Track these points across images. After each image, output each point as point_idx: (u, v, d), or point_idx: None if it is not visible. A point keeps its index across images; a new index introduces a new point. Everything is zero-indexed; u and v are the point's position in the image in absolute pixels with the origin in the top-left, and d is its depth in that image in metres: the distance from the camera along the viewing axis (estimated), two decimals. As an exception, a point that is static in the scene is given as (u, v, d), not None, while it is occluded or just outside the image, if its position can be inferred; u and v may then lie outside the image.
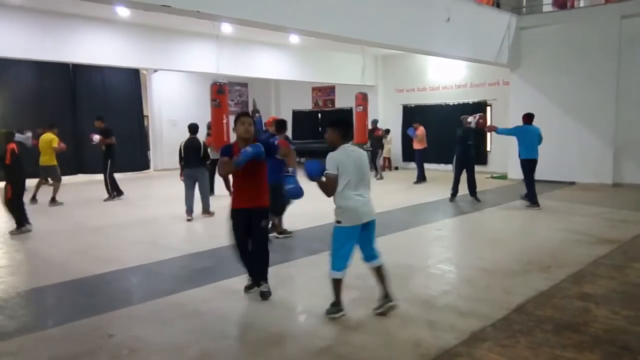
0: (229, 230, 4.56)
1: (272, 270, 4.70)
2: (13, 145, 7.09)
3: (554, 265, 5.40)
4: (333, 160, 3.82)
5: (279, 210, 6.65)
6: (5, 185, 7.17)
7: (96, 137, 10.19)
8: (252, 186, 4.45)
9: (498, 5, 12.53)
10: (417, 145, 12.77)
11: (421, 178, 12.56)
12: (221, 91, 9.49)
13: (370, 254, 4.10)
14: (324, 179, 3.82)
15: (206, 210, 8.47)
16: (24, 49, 9.72)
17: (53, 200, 9.64)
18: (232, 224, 4.50)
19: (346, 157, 3.87)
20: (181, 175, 8.39)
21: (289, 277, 5.31)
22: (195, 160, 8.25)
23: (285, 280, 5.17)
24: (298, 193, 4.46)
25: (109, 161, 10.19)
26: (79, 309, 4.33)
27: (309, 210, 7.09)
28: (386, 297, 4.11)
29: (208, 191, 8.78)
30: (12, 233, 7.13)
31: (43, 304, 4.57)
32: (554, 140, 11.98)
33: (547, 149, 11.97)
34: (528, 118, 8.90)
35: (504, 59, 12.14)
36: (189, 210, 8.21)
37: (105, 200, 10.16)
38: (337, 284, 4.00)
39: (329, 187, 3.84)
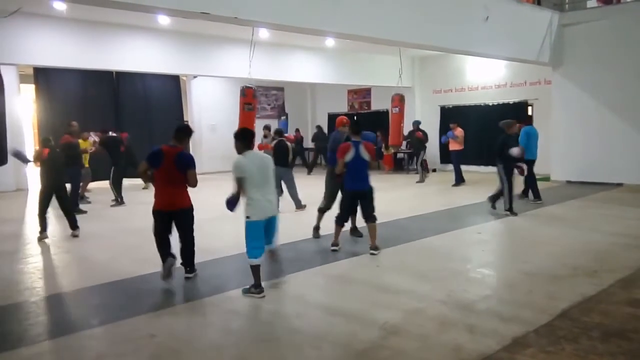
0: (154, 226, 4.99)
1: (309, 274, 4.71)
2: (46, 151, 7.20)
3: (601, 270, 5.20)
4: (239, 166, 4.55)
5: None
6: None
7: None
8: (174, 190, 4.94)
9: (539, 3, 12.20)
10: (454, 147, 12.50)
11: (459, 180, 12.33)
12: (255, 95, 9.78)
13: (268, 241, 4.84)
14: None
15: (299, 206, 9.01)
16: (70, 58, 10.15)
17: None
18: (155, 222, 4.98)
19: (250, 162, 4.56)
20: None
21: (329, 279, 5.31)
22: (282, 161, 8.77)
23: (325, 283, 5.18)
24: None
25: (112, 168, 10.28)
26: (122, 309, 4.45)
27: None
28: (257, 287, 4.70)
29: (295, 188, 9.18)
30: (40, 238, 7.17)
31: (87, 304, 4.71)
32: (599, 140, 11.59)
33: (591, 149, 11.62)
34: (530, 120, 9.21)
35: (545, 58, 11.80)
36: (297, 205, 8.97)
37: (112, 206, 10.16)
38: (256, 269, 4.63)
39: (237, 190, 4.57)
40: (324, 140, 15.68)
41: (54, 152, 7.32)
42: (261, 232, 4.66)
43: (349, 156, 5.94)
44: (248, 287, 4.69)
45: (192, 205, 5.10)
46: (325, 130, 17.63)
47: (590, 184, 11.14)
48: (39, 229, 7.19)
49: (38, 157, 7.18)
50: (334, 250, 6.21)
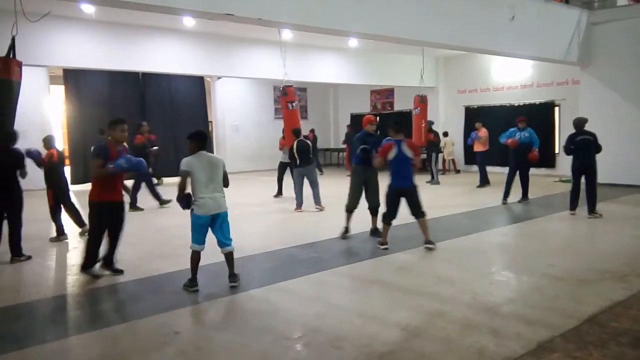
0: (92, 221, 5.21)
1: (329, 274, 4.69)
2: (53, 151, 7.04)
3: (632, 274, 5.06)
4: (185, 164, 4.78)
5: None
6: (47, 192, 7.18)
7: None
8: (118, 182, 5.26)
9: (567, 1, 11.96)
10: (478, 148, 12.33)
11: (484, 181, 12.15)
12: (295, 93, 9.96)
13: (221, 242, 4.89)
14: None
15: (318, 203, 9.15)
16: (98, 59, 10.36)
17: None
18: (97, 215, 5.17)
19: (198, 160, 4.79)
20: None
21: (349, 280, 5.31)
22: (305, 160, 9.11)
23: (345, 284, 5.17)
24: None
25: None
26: (147, 306, 4.53)
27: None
28: (231, 276, 4.93)
29: (319, 186, 9.35)
30: (51, 240, 7.21)
31: (114, 301, 4.81)
32: (629, 141, 11.29)
33: (621, 151, 11.31)
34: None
35: (573, 57, 11.55)
36: (300, 204, 9.16)
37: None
38: (195, 256, 4.82)
39: (180, 184, 4.80)
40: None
41: (61, 154, 7.29)
42: (204, 226, 4.83)
43: (392, 154, 6.07)
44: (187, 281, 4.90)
45: (92, 200, 5.22)
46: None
47: (621, 186, 10.85)
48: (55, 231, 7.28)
49: (48, 159, 7.00)
50: (384, 249, 6.22)
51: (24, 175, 6.10)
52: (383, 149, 6.19)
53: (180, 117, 15.38)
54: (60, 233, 7.25)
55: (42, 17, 6.98)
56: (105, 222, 5.24)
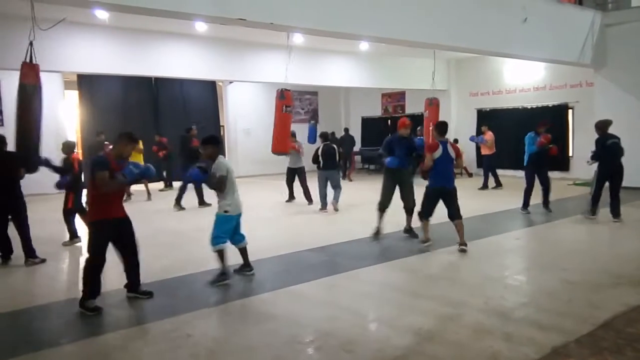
0: (94, 242, 4.50)
1: (340, 278, 4.68)
2: (77, 156, 7.15)
3: (647, 279, 5.00)
4: (224, 165, 5.09)
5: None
6: (67, 195, 7.17)
7: None
8: (119, 197, 4.72)
9: (580, 2, 11.86)
10: (485, 151, 12.36)
11: (486, 184, 12.29)
12: (293, 98, 9.91)
13: (238, 238, 5.34)
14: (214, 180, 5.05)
15: (334, 203, 9.31)
16: (112, 64, 10.48)
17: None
18: (101, 235, 4.50)
19: (228, 164, 5.15)
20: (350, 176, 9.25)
21: (360, 283, 5.29)
22: (330, 163, 9.23)
23: (357, 288, 5.16)
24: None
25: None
26: (159, 309, 4.56)
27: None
28: (247, 266, 5.43)
29: (341, 189, 9.56)
30: (64, 244, 7.24)
31: (127, 304, 4.84)
32: (645, 144, 11.13)
33: (636, 154, 11.14)
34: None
35: (587, 59, 11.45)
36: (324, 204, 9.34)
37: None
38: (223, 253, 5.11)
39: (222, 185, 5.05)
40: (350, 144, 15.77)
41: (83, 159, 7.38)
42: (232, 226, 5.18)
43: (437, 154, 6.18)
44: (214, 278, 5.12)
45: (92, 221, 4.64)
46: (359, 133, 17.59)
47: (635, 189, 10.70)
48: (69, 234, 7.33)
49: (77, 164, 7.08)
50: (427, 246, 6.38)
51: (20, 177, 6.16)
52: (430, 147, 6.32)
53: (192, 121, 15.41)
54: (74, 236, 7.31)
55: (57, 24, 7.10)
56: (108, 242, 4.60)
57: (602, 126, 7.99)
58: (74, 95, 14.22)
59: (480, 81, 15.63)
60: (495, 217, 8.76)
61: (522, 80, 14.67)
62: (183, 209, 9.99)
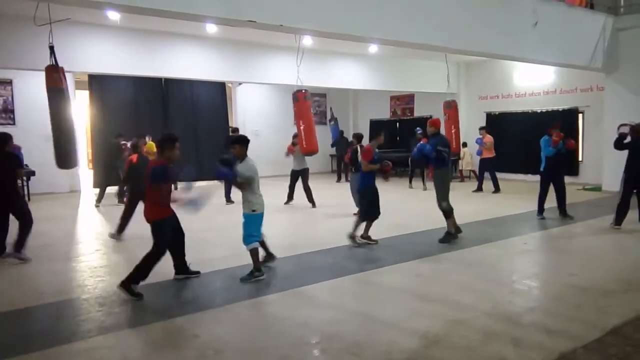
0: (162, 237, 4.95)
1: (346, 280, 4.69)
2: (132, 157, 7.43)
3: (657, 286, 4.95)
4: (253, 167, 5.30)
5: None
6: (123, 195, 7.56)
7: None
8: (147, 203, 5.10)
9: (592, 6, 11.78)
10: (485, 154, 12.33)
11: (480, 187, 12.29)
12: (307, 97, 10.06)
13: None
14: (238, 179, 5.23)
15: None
16: (122, 65, 10.56)
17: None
18: (166, 230, 5.01)
19: (255, 164, 5.31)
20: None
21: (367, 286, 5.29)
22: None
23: (363, 291, 5.16)
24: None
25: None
26: (167, 309, 4.59)
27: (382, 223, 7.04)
28: (270, 255, 5.81)
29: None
30: (111, 236, 7.40)
31: (136, 303, 4.86)
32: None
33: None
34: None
35: (598, 63, 11.37)
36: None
37: None
38: (257, 251, 5.31)
39: (247, 185, 5.21)
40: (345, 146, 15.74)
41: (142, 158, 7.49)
42: (261, 223, 5.38)
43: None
44: (248, 274, 5.28)
45: (158, 219, 4.98)
46: (367, 135, 17.52)
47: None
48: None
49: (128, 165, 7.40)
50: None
51: (19, 176, 6.40)
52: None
53: (201, 122, 15.58)
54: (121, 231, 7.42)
55: (53, 22, 7.18)
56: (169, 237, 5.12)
57: (638, 129, 7.62)
58: (84, 95, 14.34)
59: (490, 85, 15.58)
60: (505, 222, 8.71)
61: (532, 84, 14.60)
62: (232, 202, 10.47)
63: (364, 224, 6.86)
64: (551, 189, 8.53)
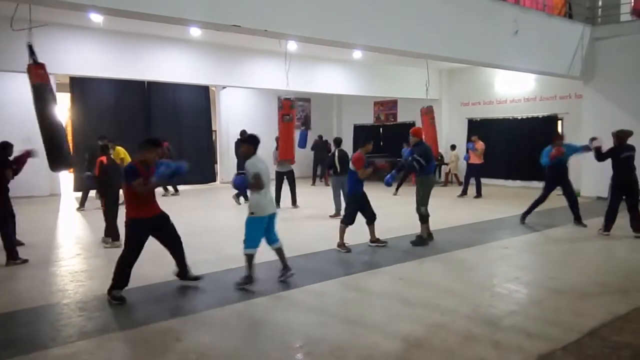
0: (130, 237, 4.86)
1: (330, 284, 4.69)
2: (102, 158, 7.31)
3: (633, 289, 5.07)
4: (258, 164, 5.11)
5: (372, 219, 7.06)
6: (100, 197, 7.40)
7: None
8: (153, 197, 5.02)
9: (570, 16, 12.05)
10: (474, 160, 12.53)
11: (465, 192, 12.49)
12: (293, 106, 9.96)
13: (273, 239, 5.37)
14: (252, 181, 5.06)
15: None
16: (105, 68, 10.46)
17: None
18: (136, 231, 4.84)
19: (261, 163, 5.15)
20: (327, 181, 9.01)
21: (349, 290, 5.32)
22: (345, 169, 9.05)
23: (345, 294, 5.18)
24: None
25: None
26: (149, 313, 4.56)
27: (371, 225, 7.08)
28: (285, 268, 5.45)
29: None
30: (104, 241, 7.29)
31: (117, 308, 4.81)
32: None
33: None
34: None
35: (576, 71, 11.62)
36: (338, 211, 9.27)
37: None
38: (252, 258, 5.16)
39: (259, 182, 5.03)
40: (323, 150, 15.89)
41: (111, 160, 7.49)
42: (262, 226, 5.18)
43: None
44: (240, 281, 5.20)
45: (128, 218, 4.91)
46: (350, 141, 17.63)
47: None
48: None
49: (99, 167, 7.26)
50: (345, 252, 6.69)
51: (8, 180, 6.32)
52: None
53: (184, 126, 15.52)
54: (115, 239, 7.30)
55: (34, 27, 7.10)
56: (143, 239, 4.91)
57: (622, 135, 7.59)
58: (66, 97, 14.16)
59: (472, 91, 15.79)
60: (485, 226, 8.82)
61: (513, 91, 14.84)
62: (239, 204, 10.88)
63: (345, 230, 6.90)
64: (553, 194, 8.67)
